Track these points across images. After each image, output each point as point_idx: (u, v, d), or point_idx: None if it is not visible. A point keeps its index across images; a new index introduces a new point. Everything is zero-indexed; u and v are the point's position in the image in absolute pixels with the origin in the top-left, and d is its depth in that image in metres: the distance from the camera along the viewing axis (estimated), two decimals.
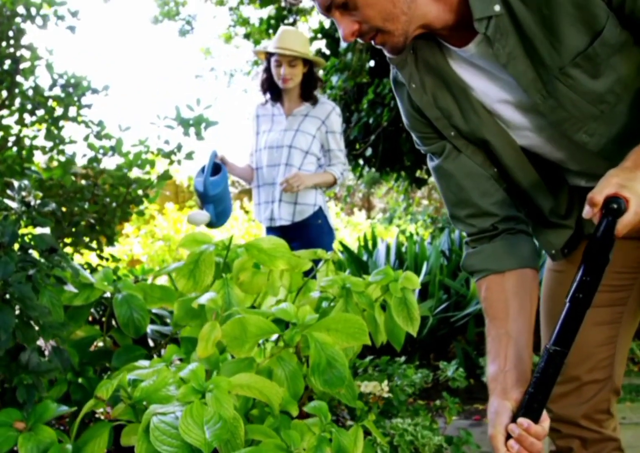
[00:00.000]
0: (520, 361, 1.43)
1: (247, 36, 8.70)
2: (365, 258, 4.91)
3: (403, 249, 5.07)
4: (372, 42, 1.39)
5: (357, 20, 1.34)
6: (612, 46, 1.29)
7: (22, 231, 1.75)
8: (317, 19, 9.23)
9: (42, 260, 1.63)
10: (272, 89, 3.73)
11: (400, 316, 1.86)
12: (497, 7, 1.30)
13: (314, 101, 3.66)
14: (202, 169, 3.42)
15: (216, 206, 3.35)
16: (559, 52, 1.31)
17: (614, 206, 1.16)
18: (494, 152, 1.50)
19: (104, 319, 2.72)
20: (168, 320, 3.42)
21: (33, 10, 2.89)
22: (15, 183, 1.85)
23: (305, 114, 3.64)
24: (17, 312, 1.45)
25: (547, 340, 1.68)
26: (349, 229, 12.30)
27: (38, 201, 1.84)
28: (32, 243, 1.67)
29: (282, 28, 3.80)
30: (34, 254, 1.72)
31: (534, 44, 1.32)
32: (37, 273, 1.53)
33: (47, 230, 1.75)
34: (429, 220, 11.93)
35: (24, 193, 1.82)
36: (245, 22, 8.93)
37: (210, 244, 1.94)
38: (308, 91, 3.67)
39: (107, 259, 2.97)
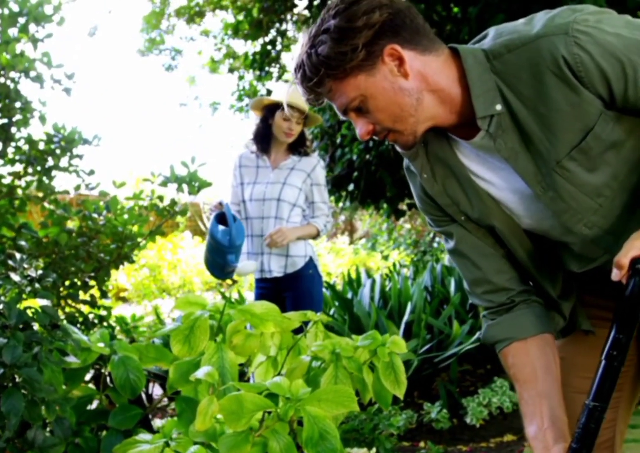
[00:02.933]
0: (557, 419, 1.50)
1: (231, 70, 8.81)
2: (350, 295, 4.98)
3: (387, 285, 5.16)
4: (386, 140, 1.51)
5: (371, 122, 1.47)
6: (604, 141, 1.39)
7: (23, 304, 1.82)
8: None
9: (45, 335, 1.70)
10: (264, 140, 3.75)
11: (388, 380, 1.95)
12: (498, 106, 1.41)
13: (305, 154, 3.72)
14: (216, 220, 3.45)
15: (237, 256, 3.39)
16: (556, 146, 1.41)
17: None
18: (500, 236, 1.60)
19: (97, 367, 2.78)
20: None
21: (32, 73, 2.96)
22: (17, 255, 1.92)
23: (291, 167, 3.70)
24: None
25: None
26: (332, 255, 12.38)
27: (39, 272, 1.91)
28: (34, 316, 1.74)
29: (293, 85, 3.78)
30: (35, 326, 1.79)
31: (533, 140, 1.42)
32: (41, 350, 1.59)
33: (48, 302, 1.81)
34: (412, 244, 12.04)
35: (25, 265, 1.89)
36: (229, 54, 9.04)
37: (205, 309, 2.01)
38: (299, 146, 3.73)
39: (99, 308, 3.04)
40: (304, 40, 1.46)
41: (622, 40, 1.33)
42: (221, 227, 3.43)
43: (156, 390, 4.64)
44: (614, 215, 1.49)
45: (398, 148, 1.56)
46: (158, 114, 44.76)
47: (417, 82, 1.42)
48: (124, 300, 9.76)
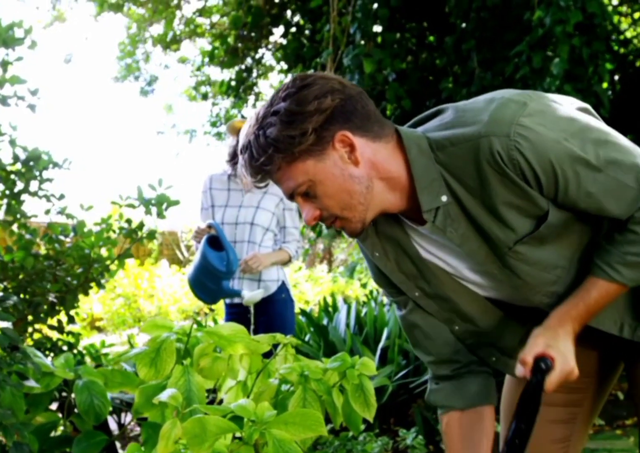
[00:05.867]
0: None
1: (204, 96, 8.85)
2: (325, 322, 4.95)
3: (363, 311, 5.13)
4: (333, 226, 1.47)
5: (318, 207, 1.43)
6: (557, 226, 1.40)
7: None
8: (277, 78, 9.45)
9: (4, 357, 1.66)
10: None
11: (357, 402, 1.92)
12: (444, 198, 1.40)
13: None
14: (208, 243, 3.30)
15: (229, 281, 3.28)
16: (507, 235, 1.41)
17: (542, 366, 1.34)
18: (457, 307, 1.59)
19: (62, 393, 2.71)
20: None
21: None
22: None
23: (264, 191, 3.64)
24: None
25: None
26: (310, 283, 12.31)
27: (0, 294, 1.87)
28: None
29: None
30: None
31: (483, 228, 1.41)
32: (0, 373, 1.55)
33: (8, 325, 1.77)
34: None
35: None
36: (204, 81, 9.08)
37: (172, 332, 1.98)
38: None
39: (67, 334, 2.98)
40: (251, 121, 1.42)
41: (561, 147, 1.32)
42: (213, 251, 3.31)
43: (129, 419, 4.55)
44: (573, 282, 1.48)
45: (346, 234, 1.52)
46: (135, 142, 44.82)
47: (367, 169, 1.40)
48: (99, 329, 9.64)
